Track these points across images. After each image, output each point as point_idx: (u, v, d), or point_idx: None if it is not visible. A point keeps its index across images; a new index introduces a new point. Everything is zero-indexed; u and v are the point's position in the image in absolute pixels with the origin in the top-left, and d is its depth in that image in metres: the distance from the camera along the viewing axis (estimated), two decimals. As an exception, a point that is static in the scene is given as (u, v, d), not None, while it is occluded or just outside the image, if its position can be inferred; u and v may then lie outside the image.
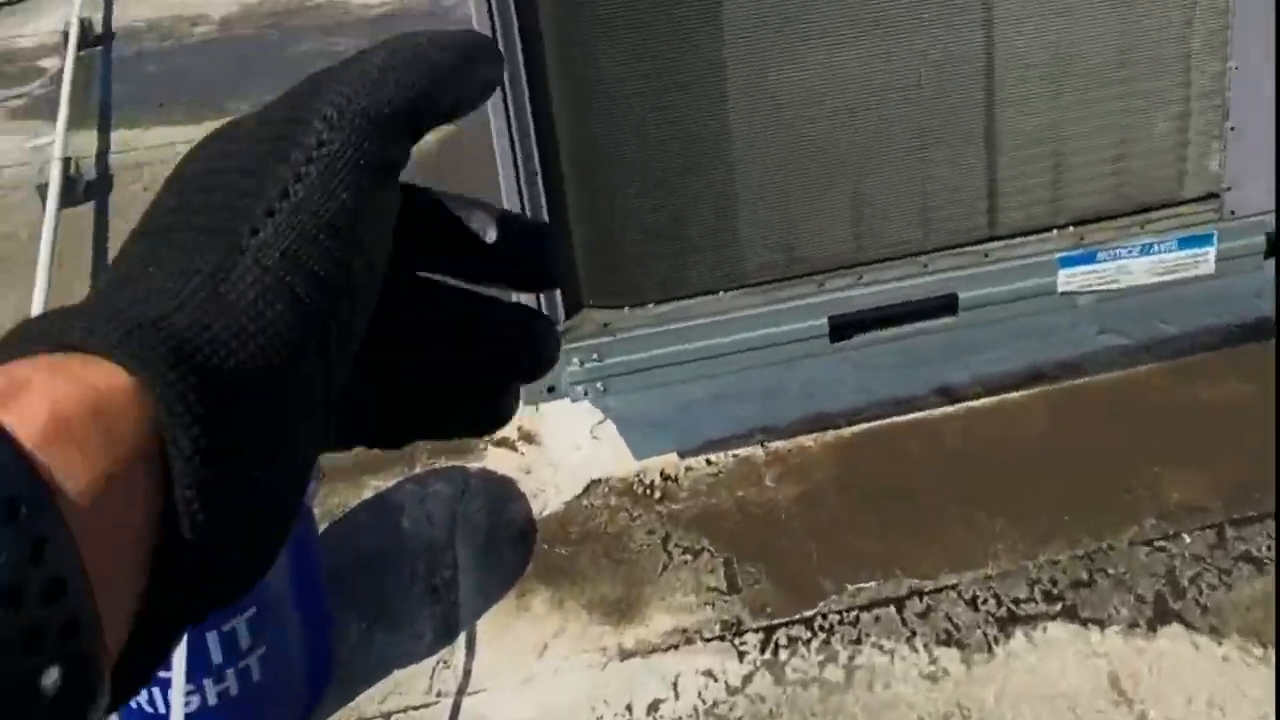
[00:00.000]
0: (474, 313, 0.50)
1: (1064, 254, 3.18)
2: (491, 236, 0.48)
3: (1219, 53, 3.13)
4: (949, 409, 3.53)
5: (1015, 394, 3.55)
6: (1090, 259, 3.21)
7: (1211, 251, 3.26)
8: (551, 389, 3.12)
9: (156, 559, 0.38)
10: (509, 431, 3.51)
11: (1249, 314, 3.66)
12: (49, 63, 6.15)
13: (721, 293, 3.10)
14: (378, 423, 0.49)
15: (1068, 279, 3.20)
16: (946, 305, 3.20)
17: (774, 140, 2.98)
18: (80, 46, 6.00)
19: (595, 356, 3.07)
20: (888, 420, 3.50)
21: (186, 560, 0.38)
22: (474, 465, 3.55)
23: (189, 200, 0.43)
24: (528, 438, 3.58)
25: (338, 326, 0.42)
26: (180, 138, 5.35)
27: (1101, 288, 3.24)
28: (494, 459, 3.53)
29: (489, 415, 0.52)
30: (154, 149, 5.39)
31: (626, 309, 3.09)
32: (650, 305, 3.09)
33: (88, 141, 5.37)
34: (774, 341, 3.12)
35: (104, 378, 0.37)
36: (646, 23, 2.79)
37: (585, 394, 3.12)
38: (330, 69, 0.46)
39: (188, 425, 0.37)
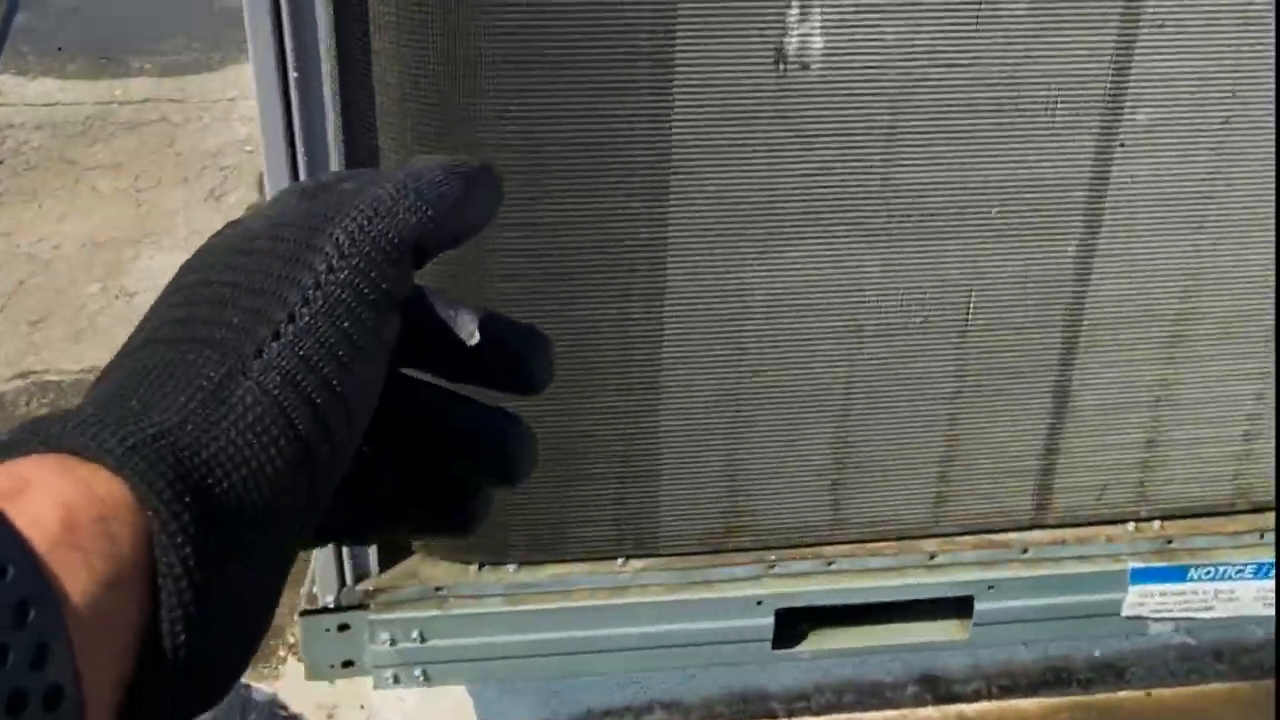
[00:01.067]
0: (448, 411, 0.50)
1: (1140, 564, 2.13)
2: (474, 339, 0.49)
3: None
4: (931, 712, 2.49)
5: (1026, 702, 2.50)
6: (1178, 576, 2.16)
7: (1355, 581, 2.21)
8: (349, 663, 2.08)
9: (140, 665, 0.38)
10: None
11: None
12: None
13: (621, 561, 2.05)
14: (349, 516, 0.49)
15: (1139, 599, 2.16)
16: (955, 609, 2.16)
17: (726, 362, 1.92)
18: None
19: (416, 635, 2.02)
20: (843, 716, 2.46)
21: (170, 668, 0.38)
22: (265, 688, 2.51)
23: (195, 314, 0.44)
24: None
25: (329, 450, 0.43)
26: (65, 97, 4.29)
27: (1186, 615, 2.19)
28: (293, 684, 2.50)
29: (459, 517, 0.52)
30: (30, 108, 4.31)
31: (475, 568, 2.04)
32: (511, 568, 2.04)
33: (-45, 86, 4.30)
34: (693, 640, 2.08)
35: (104, 485, 0.38)
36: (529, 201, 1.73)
37: (395, 680, 2.07)
38: (346, 190, 0.46)
39: (180, 545, 0.38)
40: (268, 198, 1.45)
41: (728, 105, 1.73)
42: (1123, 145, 1.85)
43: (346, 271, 0.44)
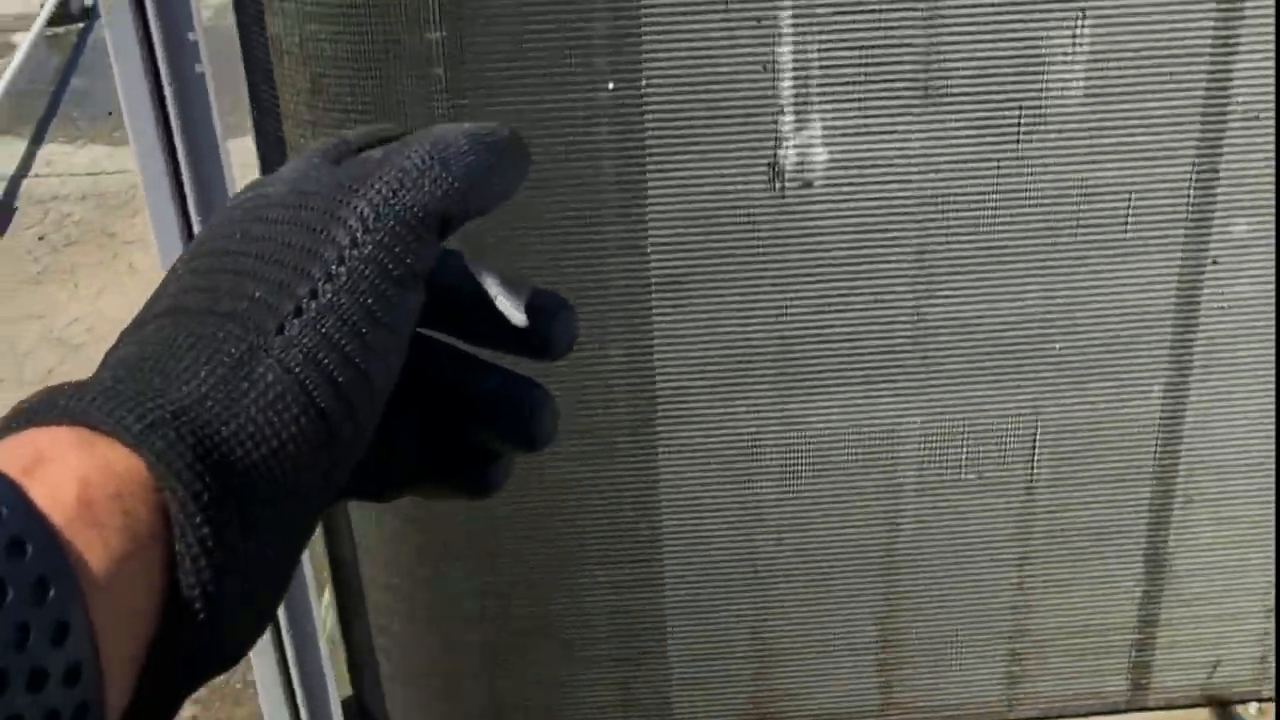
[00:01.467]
0: (469, 377, 0.49)
1: (1265, 754, 1.75)
2: (519, 321, 0.48)
3: None
4: None
5: None
6: (1313, 767, 1.76)
7: None
8: None
9: (157, 639, 0.38)
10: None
11: None
12: (21, 38, 5.02)
13: (632, 751, 1.76)
14: (366, 479, 0.48)
15: (1266, 795, 1.77)
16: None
17: (739, 525, 1.62)
18: (56, 21, 4.87)
19: (396, 835, 1.76)
20: None
21: (186, 644, 0.38)
22: None
23: (217, 284, 0.43)
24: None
25: (351, 429, 0.42)
26: (111, 165, 4.20)
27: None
28: None
29: (479, 482, 0.50)
30: (75, 178, 4.21)
31: (462, 757, 1.77)
32: (503, 758, 1.77)
33: (8, 154, 4.24)
34: (717, 841, 1.77)
35: (123, 462, 0.38)
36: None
37: None
38: (372, 158, 0.46)
39: (198, 525, 0.38)
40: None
41: (713, 234, 1.44)
42: (1215, 262, 1.50)
43: (371, 246, 0.43)
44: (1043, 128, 1.42)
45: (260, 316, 0.42)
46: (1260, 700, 1.77)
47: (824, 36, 1.37)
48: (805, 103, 1.39)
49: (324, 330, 0.41)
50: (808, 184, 1.43)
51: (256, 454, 0.40)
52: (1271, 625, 1.72)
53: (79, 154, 4.32)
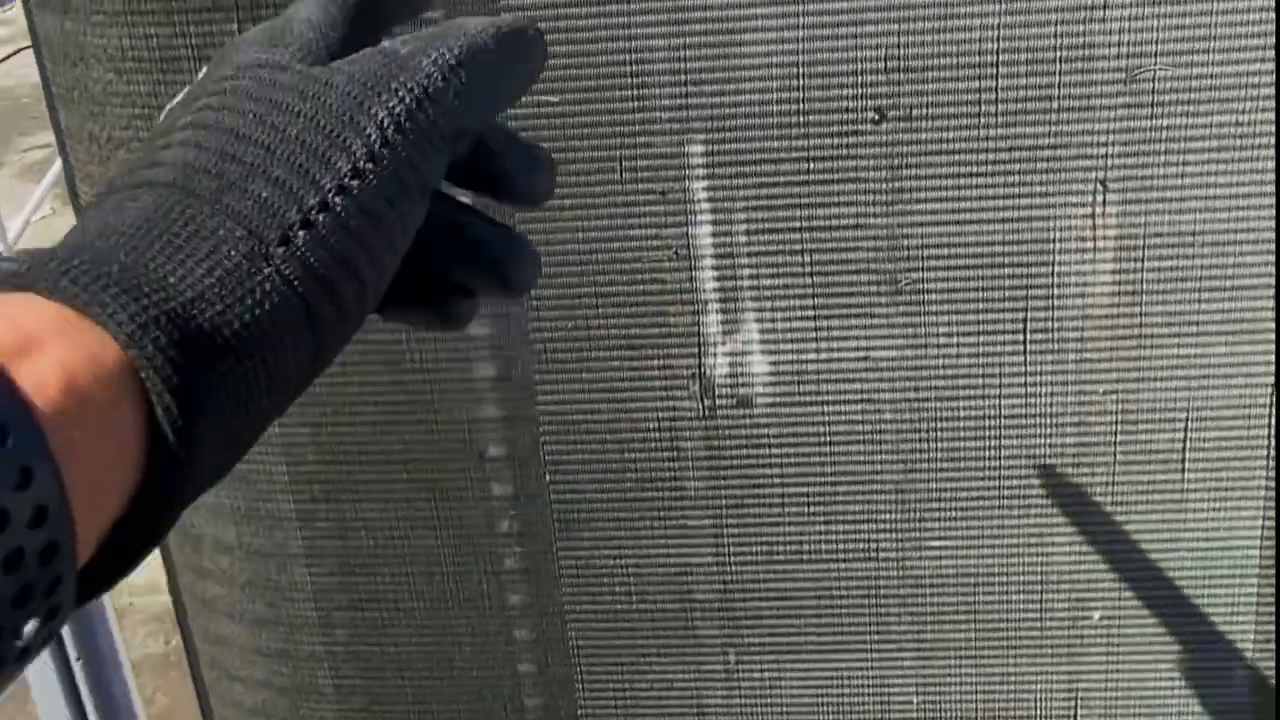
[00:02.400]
0: (459, 221, 0.48)
1: None
2: (544, 189, 0.49)
3: None
4: None
5: None
6: None
7: None
8: None
9: (130, 513, 0.38)
10: None
11: None
12: None
13: None
14: None
15: None
16: None
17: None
18: None
19: None
20: None
21: (155, 526, 0.38)
22: None
23: (225, 171, 0.42)
24: None
25: (339, 331, 0.43)
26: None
27: None
28: None
29: (449, 313, 0.50)
30: None
31: None
32: None
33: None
34: None
35: (112, 357, 0.37)
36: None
37: None
38: (398, 55, 0.44)
39: (180, 431, 0.38)
40: None
41: (624, 466, 1.12)
42: (1316, 517, 1.09)
43: (387, 160, 0.42)
44: (1059, 333, 1.05)
45: (265, 221, 0.41)
46: None
47: (753, 214, 1.05)
48: (734, 298, 1.07)
49: (329, 246, 0.41)
50: (744, 402, 1.10)
51: (249, 361, 0.39)
52: None
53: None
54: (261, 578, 1.21)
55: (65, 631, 1.29)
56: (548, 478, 1.14)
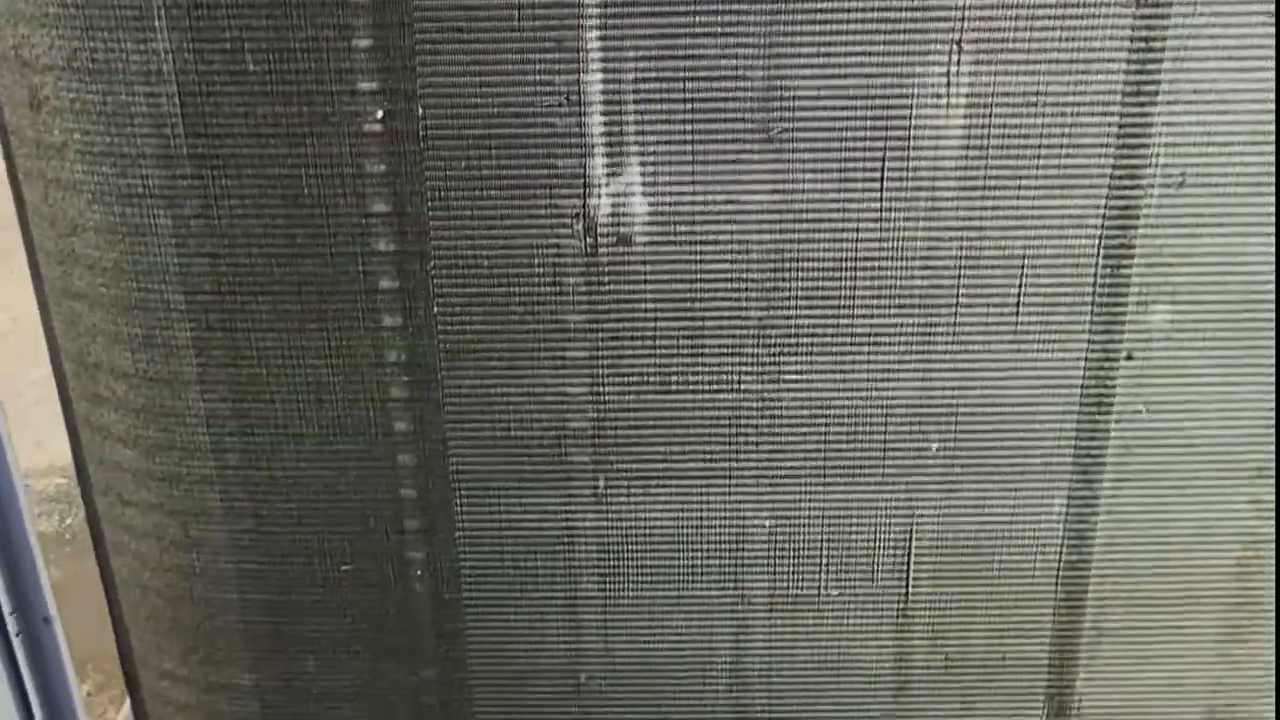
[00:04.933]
0: None
1: None
2: None
3: None
4: None
5: None
6: None
7: None
8: None
9: None
10: None
11: None
12: None
13: None
14: None
15: None
16: None
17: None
18: None
19: None
20: None
21: None
22: None
23: None
24: None
25: None
26: None
27: None
28: None
29: None
30: None
31: None
32: None
33: None
34: None
35: None
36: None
37: None
38: None
39: None
40: None
41: (510, 298, 1.19)
42: (1130, 358, 1.22)
43: None
44: (912, 181, 1.15)
45: None
46: None
47: (640, 64, 1.11)
48: (619, 143, 1.14)
49: None
50: (625, 240, 1.18)
51: None
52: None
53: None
54: (156, 404, 1.25)
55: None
56: (435, 310, 1.20)
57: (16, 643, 1.39)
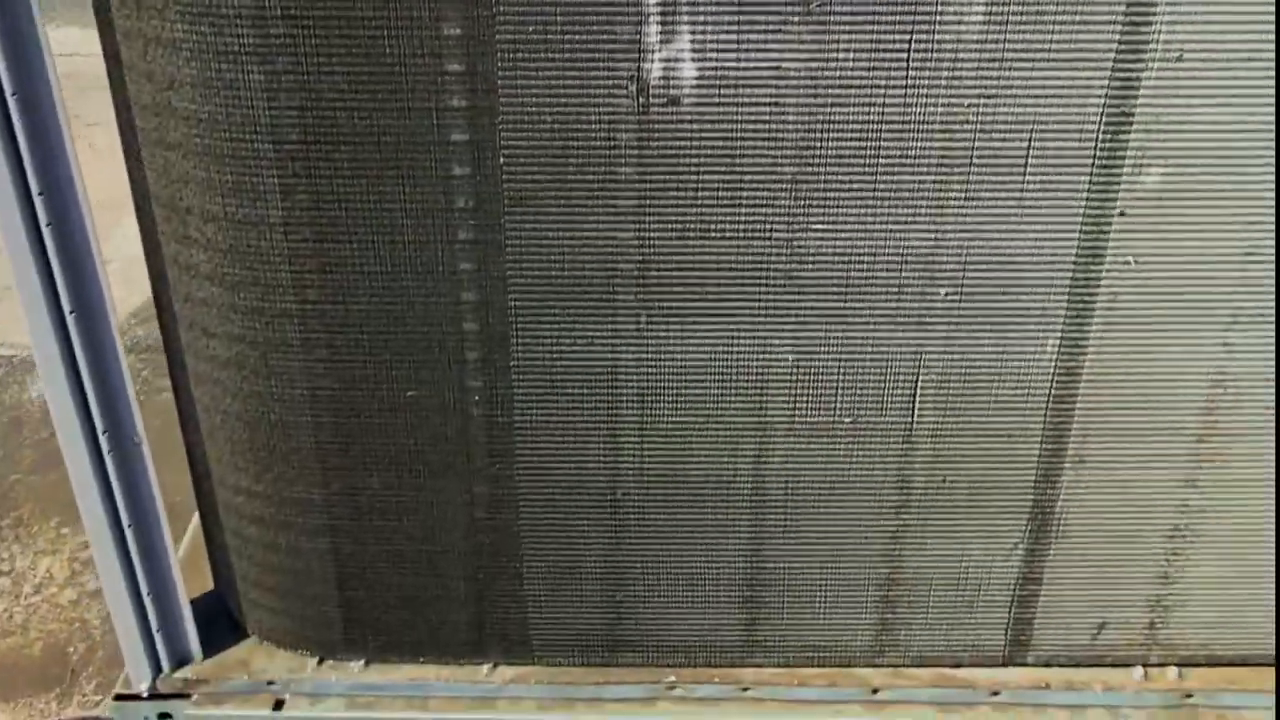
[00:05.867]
0: None
1: None
2: None
3: None
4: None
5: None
6: (1194, 735, 1.69)
7: None
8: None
9: None
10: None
11: None
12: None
13: (489, 668, 1.71)
14: None
15: (1143, 758, 1.70)
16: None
17: (596, 450, 1.53)
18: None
19: (245, 735, 1.72)
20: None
21: None
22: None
23: None
24: None
25: None
26: (85, 48, 4.07)
27: None
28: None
29: None
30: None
31: (314, 662, 1.72)
32: (357, 665, 1.72)
33: None
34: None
35: None
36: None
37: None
38: None
39: None
40: None
41: (570, 149, 1.32)
42: (1123, 214, 1.37)
43: None
44: (936, 54, 1.27)
45: None
46: (1146, 665, 1.69)
47: (694, -62, 1.22)
48: (672, 13, 1.25)
49: None
50: (674, 101, 1.30)
51: None
52: (1164, 592, 1.63)
53: (53, 34, 4.16)
54: (243, 244, 1.38)
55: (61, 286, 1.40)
56: (502, 161, 1.33)
57: (109, 459, 1.54)
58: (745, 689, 1.69)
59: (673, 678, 1.69)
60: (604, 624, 1.66)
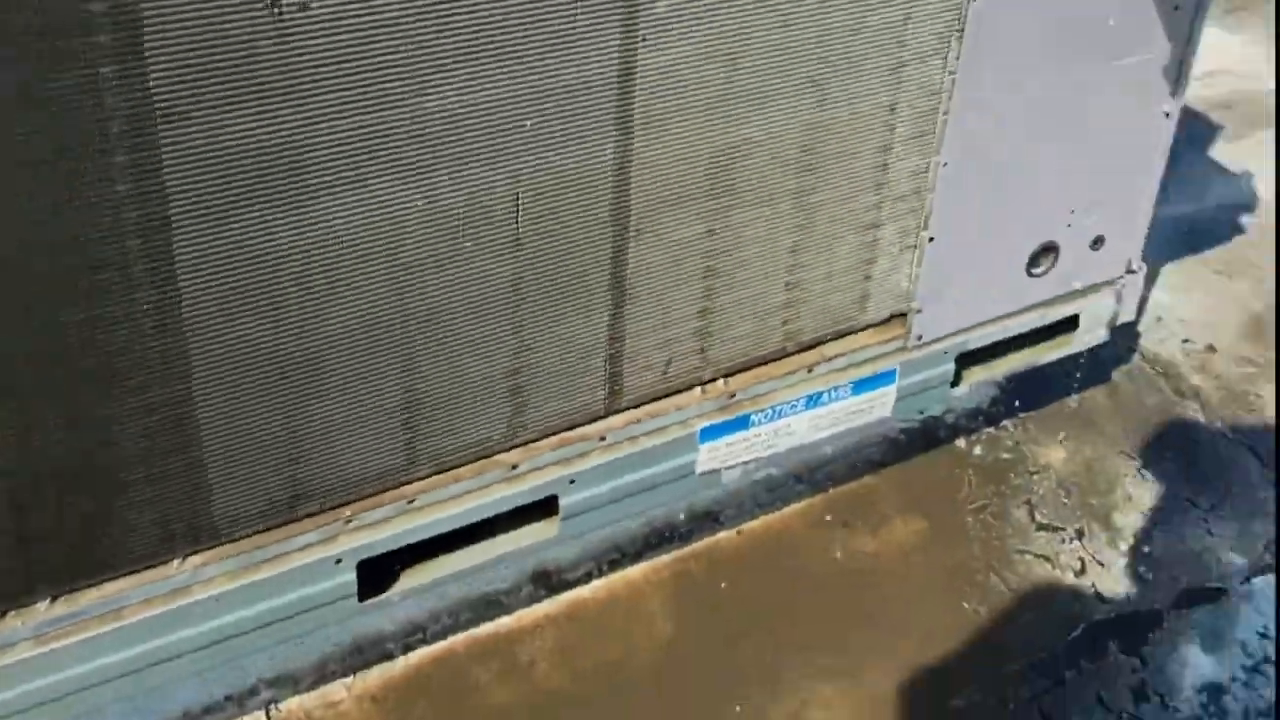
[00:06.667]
0: None
1: (708, 423, 2.14)
2: None
3: (924, 144, 2.13)
4: (547, 607, 2.43)
5: (633, 569, 2.51)
6: (741, 425, 2.19)
7: (892, 390, 2.35)
8: None
9: None
10: None
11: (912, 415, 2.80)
12: None
13: (178, 562, 1.80)
14: None
15: (709, 455, 2.18)
16: (543, 510, 2.09)
17: (261, 325, 1.67)
18: None
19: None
20: (463, 636, 2.36)
21: None
22: None
23: None
24: None
25: None
26: None
27: (752, 456, 2.24)
28: None
29: None
30: None
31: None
32: (43, 605, 1.74)
33: None
34: (271, 619, 1.88)
35: None
36: None
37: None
38: None
39: None
40: None
41: (214, 58, 1.42)
42: (644, 40, 1.72)
43: None
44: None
45: None
46: (702, 384, 2.14)
47: None
48: (287, -86, 1.39)
49: None
50: (303, 7, 1.44)
51: None
52: (705, 324, 2.07)
53: None
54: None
55: None
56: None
57: None
58: (411, 501, 1.93)
59: (349, 513, 1.89)
60: (282, 487, 1.82)
